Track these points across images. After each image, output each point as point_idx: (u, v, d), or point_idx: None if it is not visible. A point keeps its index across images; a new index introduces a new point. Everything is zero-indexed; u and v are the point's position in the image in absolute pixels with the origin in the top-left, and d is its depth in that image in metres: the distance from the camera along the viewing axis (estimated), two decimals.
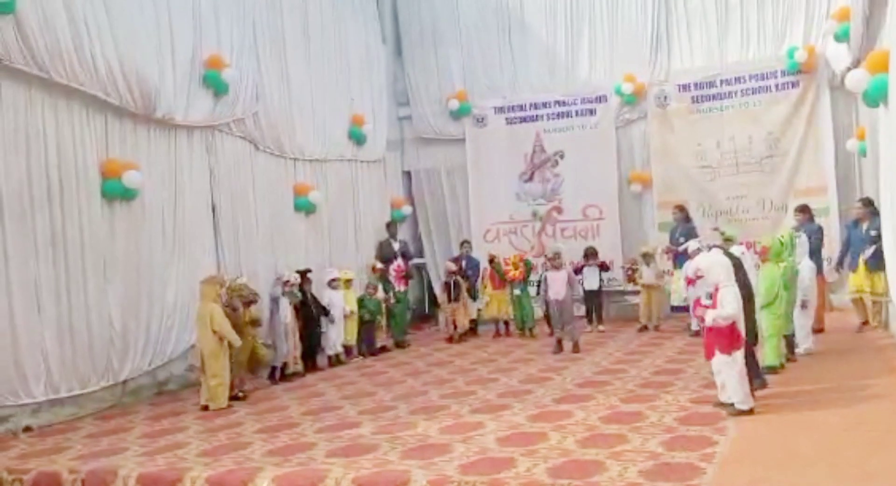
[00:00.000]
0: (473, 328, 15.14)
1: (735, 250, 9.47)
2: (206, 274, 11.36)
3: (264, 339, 11.49)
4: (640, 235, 16.06)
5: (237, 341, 9.94)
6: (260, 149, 13.29)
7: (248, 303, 10.75)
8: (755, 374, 8.06)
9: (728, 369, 7.54)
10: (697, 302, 8.08)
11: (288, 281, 11.79)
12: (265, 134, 13.32)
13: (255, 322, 10.88)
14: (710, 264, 7.72)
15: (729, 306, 7.45)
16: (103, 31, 10.00)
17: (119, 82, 10.25)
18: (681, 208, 14.38)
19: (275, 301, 11.70)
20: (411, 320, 16.27)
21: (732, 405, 7.54)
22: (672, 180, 15.87)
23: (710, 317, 7.59)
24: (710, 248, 8.82)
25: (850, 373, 9.16)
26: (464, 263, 15.23)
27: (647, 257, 14.39)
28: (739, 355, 7.52)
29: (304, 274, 12.48)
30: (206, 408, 9.68)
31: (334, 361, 12.71)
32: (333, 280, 12.96)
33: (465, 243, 16.00)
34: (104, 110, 10.26)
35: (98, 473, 7.13)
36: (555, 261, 12.62)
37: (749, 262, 9.72)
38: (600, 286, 14.88)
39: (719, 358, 7.60)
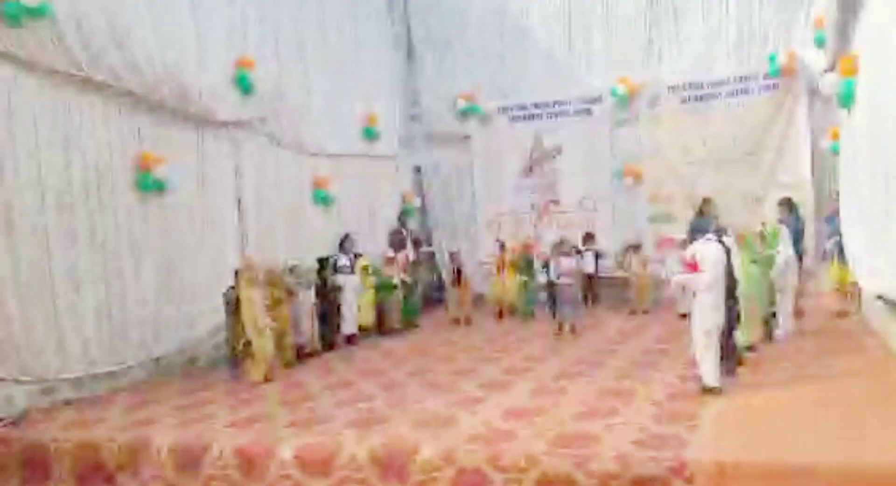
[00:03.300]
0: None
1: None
2: (230, 260, 11.46)
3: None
4: (631, 225, 16.02)
5: (263, 324, 10.01)
6: (281, 145, 13.32)
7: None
8: (732, 354, 8.09)
9: (701, 349, 7.59)
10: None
11: (296, 266, 11.80)
12: (286, 131, 13.34)
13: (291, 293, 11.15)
14: (703, 252, 7.74)
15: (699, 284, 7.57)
16: (144, 29, 10.01)
17: (159, 78, 10.27)
18: (706, 201, 13.10)
19: None
20: (422, 304, 16.26)
21: (702, 381, 7.58)
22: (661, 175, 15.86)
23: (676, 279, 7.94)
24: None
25: (824, 353, 9.19)
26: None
27: (636, 249, 14.77)
28: (711, 338, 7.55)
29: (325, 260, 12.59)
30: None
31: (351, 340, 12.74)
32: (343, 266, 12.89)
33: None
34: (137, 108, 10.29)
35: (133, 442, 7.21)
36: (563, 248, 12.72)
37: (735, 250, 9.70)
38: (596, 271, 15.13)
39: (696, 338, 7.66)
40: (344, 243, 13.78)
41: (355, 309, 12.89)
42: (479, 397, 8.10)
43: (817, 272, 13.76)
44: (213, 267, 11.38)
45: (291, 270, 11.49)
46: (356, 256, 13.46)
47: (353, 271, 12.96)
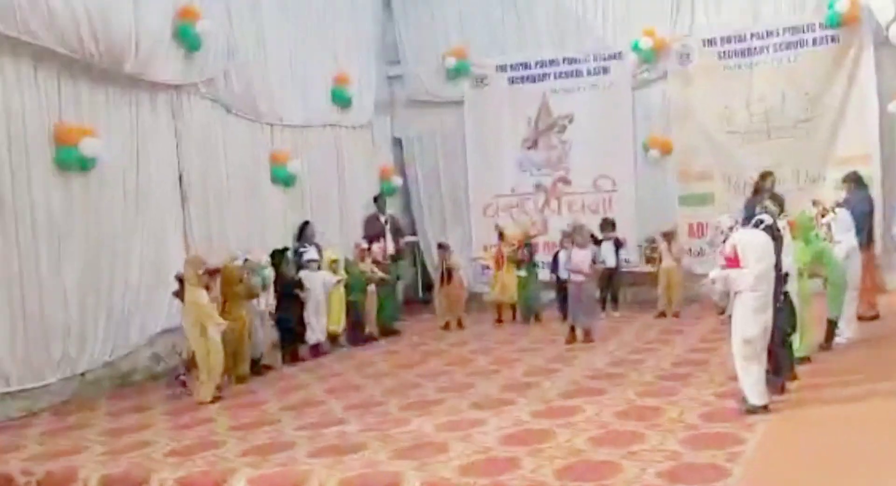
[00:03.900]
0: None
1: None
2: (172, 251, 11.44)
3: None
4: (658, 209, 16.00)
5: (219, 324, 9.96)
6: (232, 112, 13.31)
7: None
8: (782, 367, 8.10)
9: (741, 360, 7.61)
10: None
11: (248, 260, 11.67)
12: (238, 96, 13.33)
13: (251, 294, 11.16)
14: (746, 242, 7.72)
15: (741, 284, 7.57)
16: None
17: (83, 33, 10.19)
18: (763, 177, 13.36)
19: None
20: (402, 305, 16.30)
21: (745, 400, 7.57)
22: (695, 147, 15.86)
23: (712, 274, 7.95)
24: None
25: (891, 364, 9.21)
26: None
27: (669, 237, 14.46)
28: (755, 346, 7.56)
29: (280, 253, 12.54)
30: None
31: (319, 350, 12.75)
32: (311, 261, 12.85)
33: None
34: (57, 68, 10.24)
35: (56, 474, 7.20)
36: (577, 237, 12.67)
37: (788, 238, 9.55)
38: (617, 265, 15.02)
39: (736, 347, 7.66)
40: (304, 232, 13.76)
41: (323, 313, 12.87)
42: (475, 418, 8.10)
43: (887, 265, 13.75)
44: (151, 259, 11.38)
45: (243, 263, 11.44)
46: (318, 247, 13.41)
47: (320, 267, 12.91)
